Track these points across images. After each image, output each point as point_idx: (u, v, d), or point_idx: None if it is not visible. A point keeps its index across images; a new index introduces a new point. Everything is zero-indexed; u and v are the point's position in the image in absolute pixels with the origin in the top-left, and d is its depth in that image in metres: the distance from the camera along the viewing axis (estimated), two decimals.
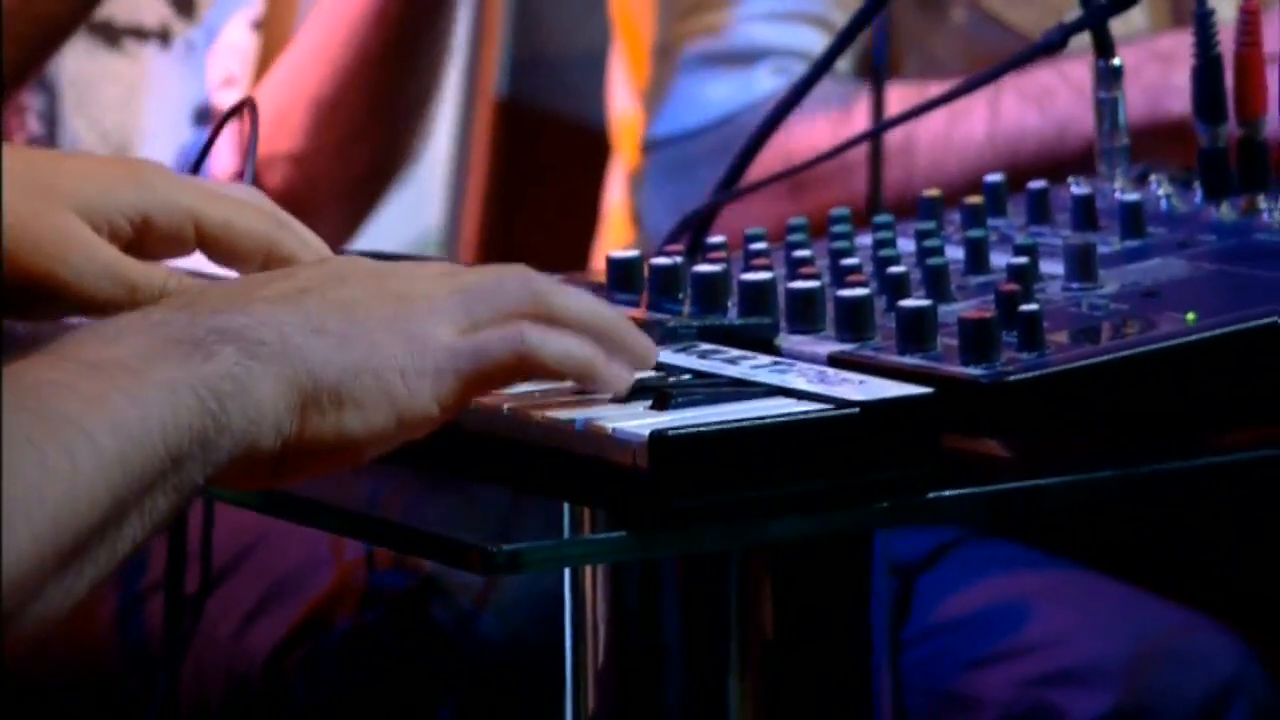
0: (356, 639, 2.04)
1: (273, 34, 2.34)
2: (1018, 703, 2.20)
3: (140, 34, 2.25)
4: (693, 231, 1.82)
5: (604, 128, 2.53)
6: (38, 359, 1.41)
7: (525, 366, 1.55)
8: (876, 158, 2.06)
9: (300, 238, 1.73)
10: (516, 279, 1.58)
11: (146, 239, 1.69)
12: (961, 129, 2.25)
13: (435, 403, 1.52)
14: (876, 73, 2.15)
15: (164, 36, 2.27)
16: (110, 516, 1.38)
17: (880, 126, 2.10)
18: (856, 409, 1.59)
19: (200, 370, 1.43)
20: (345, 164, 2.31)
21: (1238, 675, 2.21)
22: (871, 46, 2.34)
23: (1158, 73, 2.09)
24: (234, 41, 2.31)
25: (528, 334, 1.54)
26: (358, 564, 2.05)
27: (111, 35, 2.20)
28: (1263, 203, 1.84)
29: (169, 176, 1.71)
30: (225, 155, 2.29)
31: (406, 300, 1.53)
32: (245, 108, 1.89)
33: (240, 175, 2.16)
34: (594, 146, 2.54)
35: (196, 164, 1.91)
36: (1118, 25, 1.89)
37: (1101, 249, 1.79)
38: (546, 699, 1.80)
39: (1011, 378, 1.64)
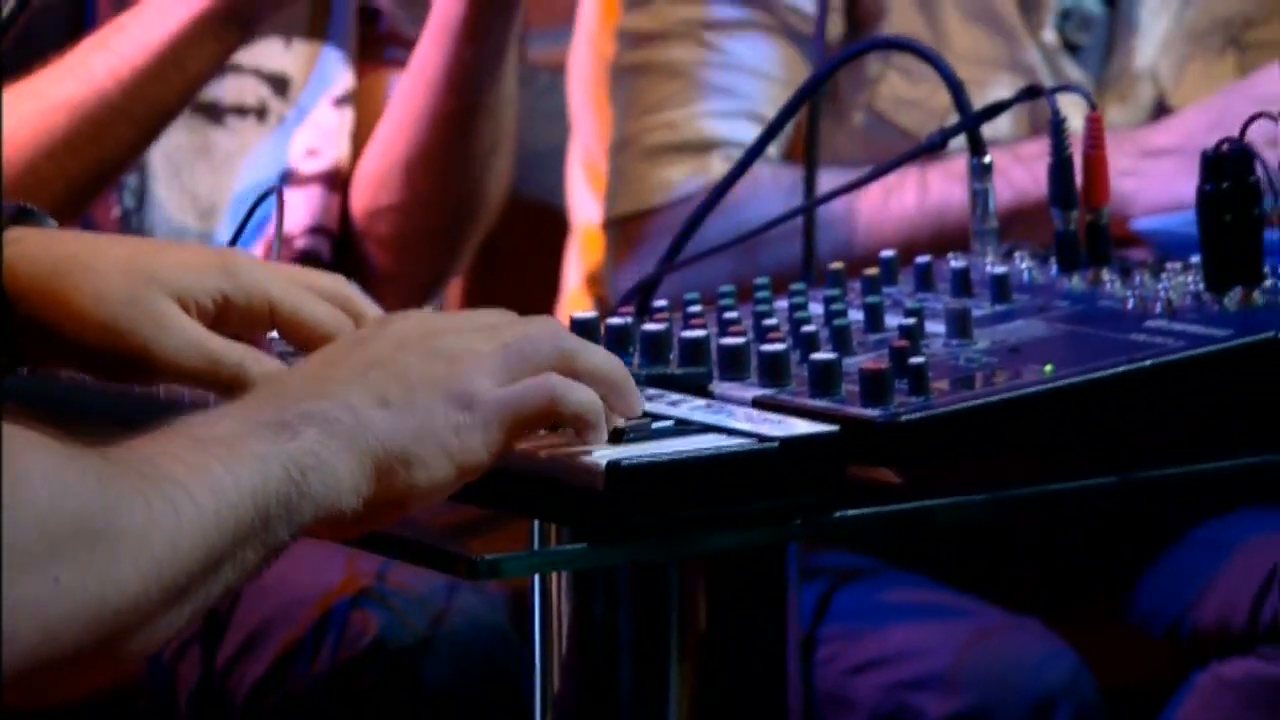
0: (326, 678, 2.02)
1: (364, 111, 2.33)
2: (884, 704, 2.19)
3: (242, 112, 2.23)
4: (640, 297, 1.78)
5: (563, 210, 2.51)
6: (153, 435, 1.41)
7: (552, 414, 1.53)
8: (809, 228, 2.03)
9: (363, 319, 1.71)
10: (548, 336, 1.57)
11: (229, 317, 1.66)
12: (895, 201, 2.23)
13: (486, 450, 1.51)
14: (809, 157, 2.11)
15: (261, 114, 2.25)
16: (207, 564, 1.37)
17: (812, 204, 2.07)
18: (776, 443, 1.57)
19: (287, 448, 1.42)
20: (437, 211, 2.29)
21: (1069, 681, 2.19)
22: (795, 139, 2.31)
23: (1022, 169, 2.05)
24: (319, 119, 2.29)
25: (556, 386, 1.53)
26: (331, 599, 2.01)
27: (217, 114, 2.19)
28: (1105, 275, 1.85)
29: (253, 265, 1.69)
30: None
31: (455, 361, 1.51)
32: (274, 193, 1.88)
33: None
34: (555, 227, 2.52)
35: (234, 239, 1.89)
36: (988, 130, 1.86)
37: (975, 312, 1.77)
38: None
39: (903, 418, 1.61)
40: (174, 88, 2.10)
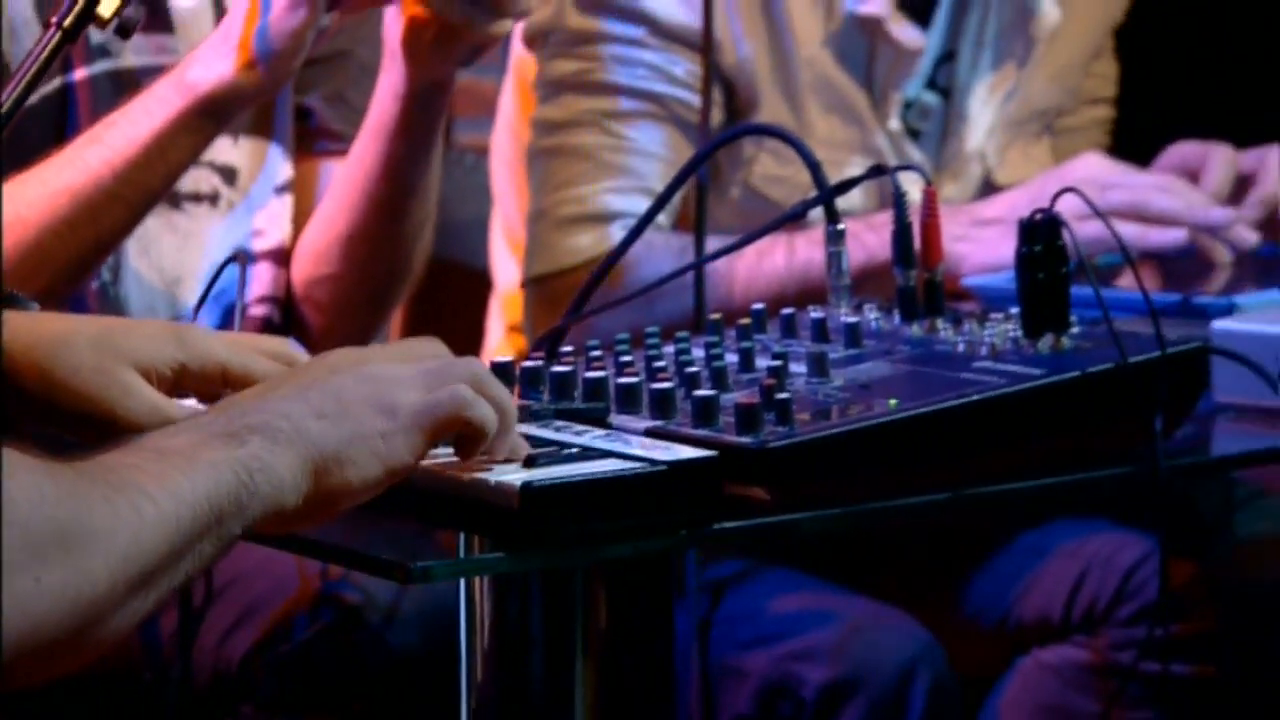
0: (307, 645, 2.01)
1: (301, 195, 2.31)
2: (772, 673, 2.19)
3: (198, 198, 2.22)
4: (550, 343, 1.79)
5: (486, 272, 2.51)
6: (119, 449, 1.41)
7: (461, 421, 1.52)
8: (700, 284, 2.04)
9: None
10: (462, 361, 1.58)
11: (186, 382, 1.67)
12: (766, 262, 2.23)
13: (409, 452, 1.50)
14: (699, 224, 2.12)
15: (214, 200, 2.24)
16: (169, 558, 1.36)
17: (700, 262, 2.08)
18: (664, 467, 1.58)
19: (236, 454, 1.41)
20: (370, 280, 2.27)
21: (926, 654, 2.18)
22: (682, 210, 2.32)
23: (872, 235, 2.06)
24: (264, 205, 2.28)
25: (466, 396, 1.52)
26: (313, 582, 2.00)
27: (176, 200, 2.19)
28: (940, 324, 1.84)
29: (204, 336, 1.70)
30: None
31: (381, 379, 1.51)
32: (236, 259, 1.89)
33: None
34: (479, 286, 2.52)
35: (198, 305, 1.91)
36: (842, 202, 1.87)
37: (831, 355, 1.77)
38: (438, 687, 1.77)
39: (771, 445, 1.62)
40: (159, 174, 2.09)
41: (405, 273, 2.28)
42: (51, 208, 2.08)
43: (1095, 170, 2.21)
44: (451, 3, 2.04)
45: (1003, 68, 2.49)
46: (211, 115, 2.07)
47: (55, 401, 1.63)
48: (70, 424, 1.65)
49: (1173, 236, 2.18)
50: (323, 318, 2.28)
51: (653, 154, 2.39)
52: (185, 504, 1.37)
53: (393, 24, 2.10)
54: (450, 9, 2.04)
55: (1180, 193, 2.24)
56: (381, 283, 2.27)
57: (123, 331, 1.69)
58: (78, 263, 2.12)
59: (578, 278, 2.36)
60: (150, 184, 2.10)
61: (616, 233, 2.38)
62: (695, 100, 2.36)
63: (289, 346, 1.72)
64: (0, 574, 1.25)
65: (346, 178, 2.22)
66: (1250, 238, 2.25)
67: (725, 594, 2.11)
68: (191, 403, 1.70)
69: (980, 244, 2.05)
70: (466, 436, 1.54)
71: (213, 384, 1.68)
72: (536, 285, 2.42)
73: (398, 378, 1.52)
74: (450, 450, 1.56)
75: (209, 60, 2.05)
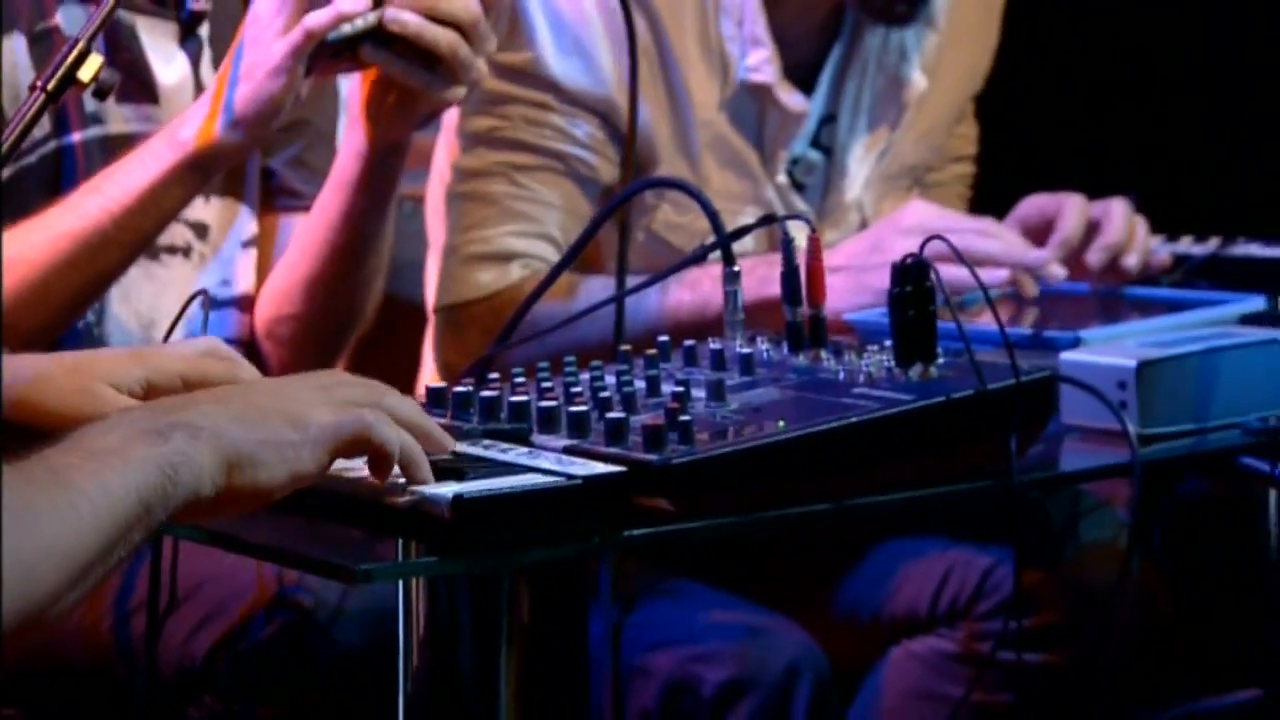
0: (264, 643, 2.01)
1: (263, 247, 2.31)
2: (675, 672, 2.18)
3: (173, 250, 2.22)
4: (479, 370, 1.79)
5: (423, 307, 2.51)
6: (58, 449, 1.42)
7: (364, 441, 1.53)
8: (620, 317, 2.04)
9: (246, 371, 1.73)
10: (368, 388, 1.59)
11: (151, 395, 1.69)
12: (640, 304, 2.22)
13: (313, 463, 1.51)
14: (621, 265, 2.12)
15: (187, 252, 2.24)
16: (104, 548, 1.38)
17: (621, 294, 2.08)
18: (580, 481, 1.58)
19: (161, 450, 1.43)
20: (328, 320, 2.26)
21: (805, 655, 2.18)
22: (588, 253, 2.32)
23: (762, 275, 2.06)
24: (231, 257, 2.28)
25: (369, 420, 1.53)
26: (269, 587, 2.00)
27: (154, 252, 2.18)
28: (823, 354, 1.84)
29: (161, 354, 1.72)
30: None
31: (295, 398, 1.53)
32: (201, 296, 1.89)
33: None
34: (417, 320, 2.51)
35: (166, 336, 1.91)
36: (737, 247, 1.88)
37: (728, 382, 1.77)
38: (379, 679, 1.77)
39: (674, 461, 1.62)
40: (151, 221, 2.10)
41: (359, 314, 2.28)
42: (54, 250, 2.08)
43: (923, 217, 2.21)
44: (411, 71, 2.04)
45: (877, 129, 2.49)
46: (199, 169, 2.07)
47: (45, 426, 1.62)
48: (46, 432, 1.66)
49: (995, 276, 2.18)
50: (284, 352, 2.28)
51: (552, 204, 2.38)
52: (119, 499, 1.38)
53: (356, 90, 2.11)
54: (409, 77, 2.04)
55: (998, 235, 2.24)
56: (338, 322, 2.27)
57: (90, 359, 1.72)
58: (76, 300, 2.12)
59: (481, 309, 2.37)
60: (143, 229, 2.10)
61: (516, 270, 2.38)
62: (592, 159, 2.37)
63: (215, 342, 1.74)
64: None
65: (310, 227, 2.22)
66: (1060, 273, 2.24)
67: (637, 602, 2.10)
68: None
69: (830, 291, 2.06)
70: (375, 457, 1.55)
71: (176, 393, 1.68)
72: (444, 314, 2.42)
73: (312, 399, 1.53)
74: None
75: (202, 119, 2.06)
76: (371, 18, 2.02)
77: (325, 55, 2.03)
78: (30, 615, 1.32)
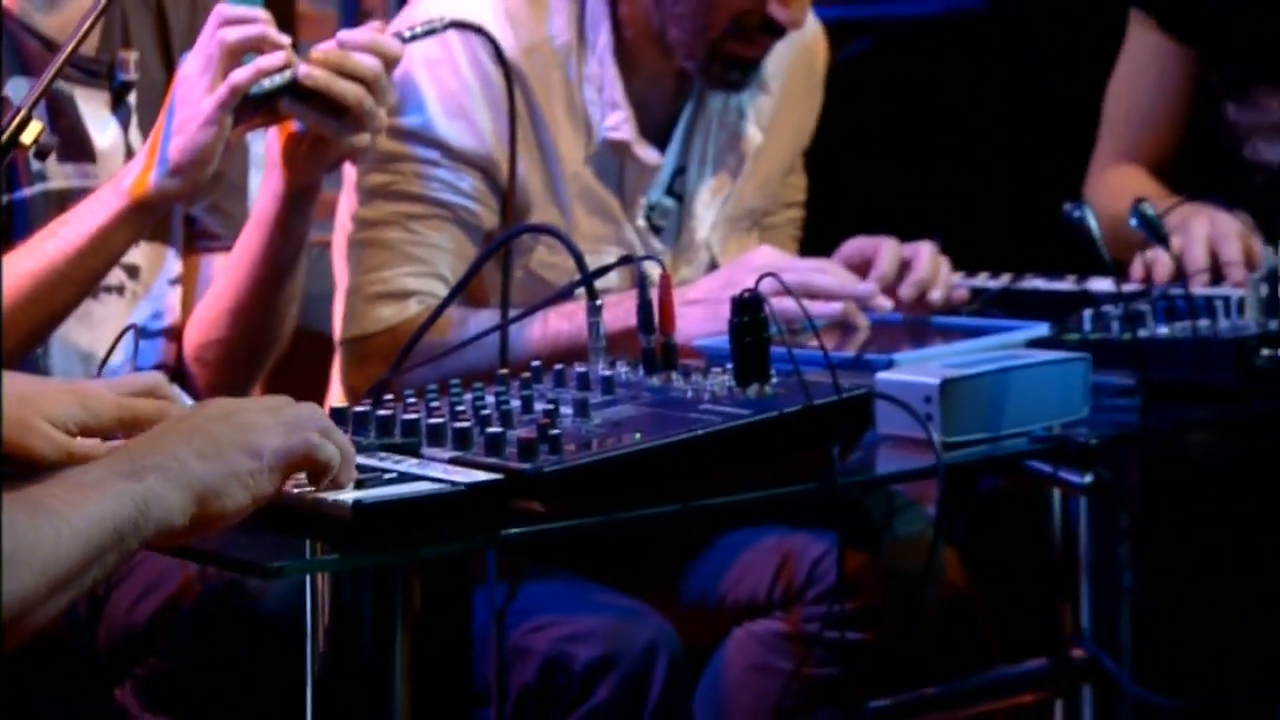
0: (197, 611, 1.98)
1: (187, 284, 2.29)
2: (550, 651, 2.17)
3: (109, 290, 2.19)
4: (376, 392, 1.78)
5: (330, 337, 2.50)
6: (44, 483, 1.42)
7: (311, 461, 1.54)
8: (504, 345, 2.04)
9: (179, 404, 1.73)
10: (311, 413, 1.58)
11: (86, 434, 1.69)
12: (527, 331, 2.22)
13: (271, 486, 1.52)
14: (504, 299, 2.14)
15: (121, 291, 2.21)
16: (81, 568, 1.38)
17: (505, 323, 2.08)
18: (463, 487, 1.58)
19: (135, 488, 1.43)
20: (250, 344, 2.24)
21: (661, 636, 2.17)
22: (472, 289, 2.34)
23: (626, 308, 2.06)
24: (161, 294, 2.25)
25: (315, 442, 1.54)
26: (198, 572, 1.99)
27: (94, 291, 2.15)
28: (674, 376, 1.84)
29: (100, 395, 1.71)
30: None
31: (250, 429, 1.52)
32: (131, 329, 1.88)
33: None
34: (326, 348, 2.50)
35: (101, 364, 1.91)
36: (604, 282, 1.88)
37: (592, 401, 1.77)
38: (297, 645, 1.76)
39: (545, 469, 1.62)
40: (101, 261, 2.08)
41: (278, 338, 2.26)
42: (16, 288, 2.06)
43: (768, 259, 2.22)
44: (322, 121, 2.04)
45: (721, 179, 2.49)
46: (142, 214, 2.06)
47: None
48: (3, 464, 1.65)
49: (832, 308, 2.20)
50: (210, 374, 2.25)
51: (442, 248, 2.36)
52: (94, 525, 1.38)
53: (274, 140, 2.10)
54: (321, 125, 2.04)
55: (834, 273, 2.25)
56: (258, 346, 2.24)
57: (35, 397, 1.70)
58: (35, 332, 2.10)
59: (383, 340, 2.36)
60: (94, 268, 2.09)
61: (413, 306, 2.36)
62: (476, 208, 2.35)
63: (161, 381, 1.73)
64: None
65: (234, 262, 2.20)
66: (886, 304, 2.25)
67: (518, 591, 2.10)
68: (95, 441, 1.69)
69: (687, 319, 2.05)
70: (315, 471, 1.55)
71: (109, 433, 1.69)
72: (350, 345, 2.40)
73: (263, 427, 1.53)
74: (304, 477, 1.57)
75: (142, 169, 2.04)
76: (288, 74, 2.01)
77: (249, 108, 2.03)
78: (12, 615, 1.32)
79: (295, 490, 1.57)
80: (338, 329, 2.45)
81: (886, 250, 2.32)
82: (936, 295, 2.30)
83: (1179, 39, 2.61)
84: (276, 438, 1.52)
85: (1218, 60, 2.58)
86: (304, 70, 2.02)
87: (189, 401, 1.74)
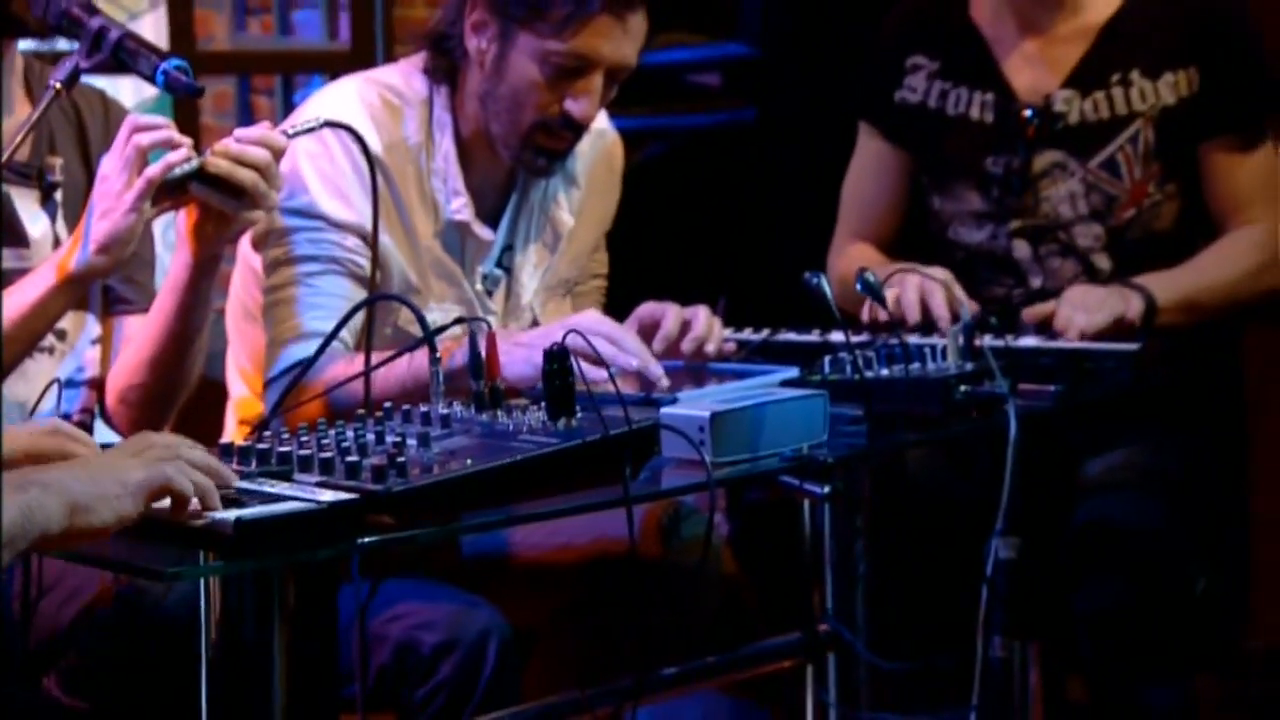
0: (108, 617, 1.94)
1: (105, 343, 2.23)
2: (403, 637, 2.13)
3: (41, 350, 2.14)
4: (258, 430, 1.76)
5: (224, 385, 2.45)
6: None
7: (167, 489, 1.53)
8: (367, 387, 2.01)
9: (78, 444, 1.69)
10: (168, 446, 1.57)
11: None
12: (395, 371, 2.16)
13: (134, 509, 1.50)
14: (367, 349, 2.11)
15: (51, 351, 2.16)
16: None
17: (367, 371, 2.04)
18: (326, 505, 1.58)
19: (19, 498, 1.42)
20: (165, 388, 2.18)
21: (493, 623, 2.15)
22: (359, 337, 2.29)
23: (458, 353, 2.05)
24: (81, 350, 2.20)
25: (169, 472, 1.53)
26: (110, 581, 1.95)
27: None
28: (499, 413, 1.83)
29: (15, 435, 1.69)
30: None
31: (118, 464, 1.52)
32: (54, 384, 1.85)
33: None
34: (219, 394, 2.46)
35: (31, 412, 1.85)
36: (448, 334, 1.87)
37: (432, 434, 1.76)
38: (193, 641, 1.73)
39: (393, 490, 1.62)
40: (42, 324, 2.05)
41: (187, 383, 2.20)
42: None
43: (591, 320, 2.21)
44: (224, 201, 2.01)
45: (541, 254, 2.48)
46: (75, 285, 2.02)
47: None
48: None
49: (627, 362, 2.13)
50: (132, 413, 2.19)
51: (338, 295, 2.30)
52: None
53: (183, 219, 2.06)
54: (224, 205, 2.01)
55: (623, 339, 2.15)
56: (172, 389, 2.19)
57: None
58: None
59: (295, 374, 2.31)
60: (36, 330, 2.04)
61: (315, 346, 2.32)
62: (361, 261, 2.30)
63: (59, 422, 1.71)
64: None
65: (151, 320, 2.16)
66: (657, 373, 2.13)
67: (379, 587, 2.08)
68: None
69: (510, 358, 2.03)
70: (174, 500, 1.54)
71: (21, 464, 1.65)
72: (273, 383, 2.32)
73: (130, 463, 1.53)
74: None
75: (74, 250, 2.01)
76: (196, 162, 1.99)
77: (162, 195, 2.00)
78: None
79: (173, 512, 1.54)
80: (231, 380, 2.41)
81: (670, 314, 2.31)
82: (711, 348, 2.30)
83: (896, 145, 2.64)
84: (139, 471, 1.51)
85: (926, 162, 2.61)
86: (209, 160, 2.00)
87: (85, 439, 1.70)
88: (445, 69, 2.35)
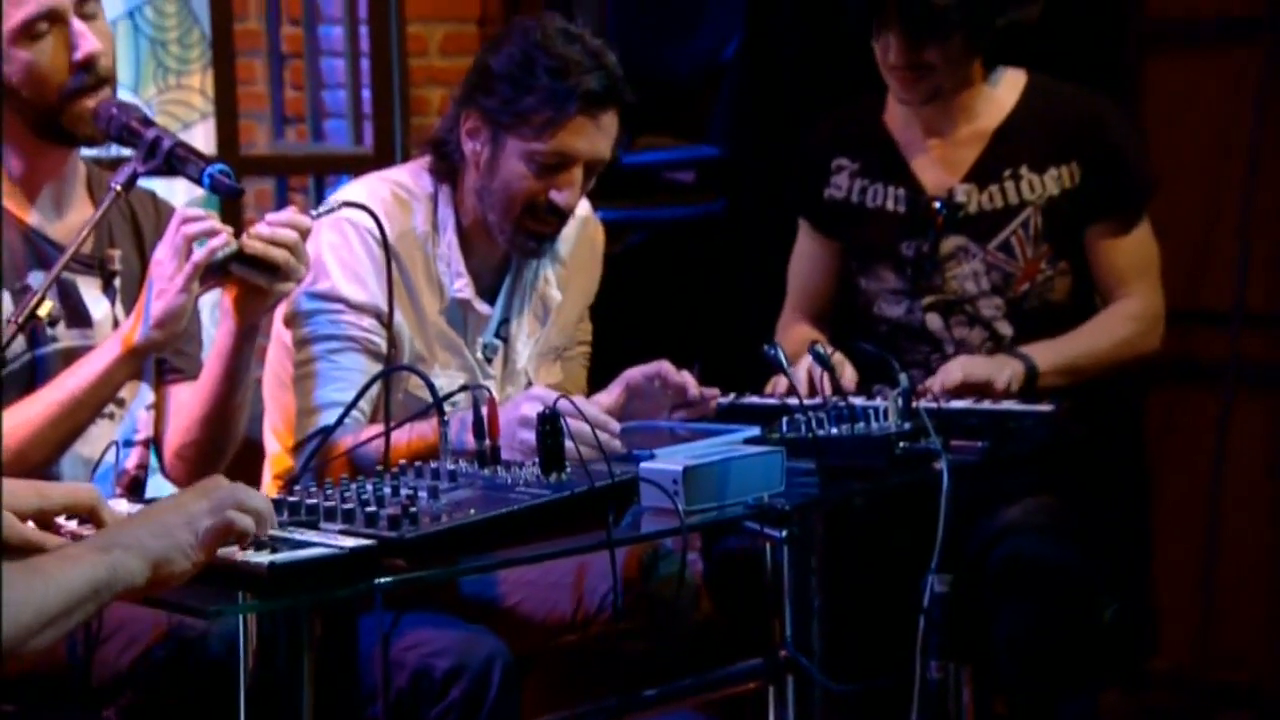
0: (160, 657, 1.93)
1: (159, 407, 2.21)
2: (418, 664, 2.09)
3: (103, 415, 2.12)
4: (289, 485, 1.74)
5: (261, 443, 2.43)
6: (47, 555, 1.41)
7: (232, 531, 1.52)
8: (387, 446, 1.98)
9: (104, 507, 1.67)
10: (232, 494, 1.55)
11: (42, 518, 1.65)
12: (414, 433, 2.13)
13: (205, 555, 1.50)
14: (386, 414, 2.07)
15: (111, 416, 2.15)
16: (64, 614, 1.36)
17: (386, 430, 2.04)
18: (348, 550, 1.57)
19: (104, 558, 1.41)
20: (215, 444, 2.16)
21: (497, 651, 2.12)
22: (375, 405, 2.27)
23: (463, 420, 2.03)
24: (139, 417, 2.18)
25: (233, 516, 1.52)
26: (165, 629, 1.93)
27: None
28: (499, 469, 1.81)
29: (53, 490, 1.67)
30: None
31: (188, 514, 1.50)
32: (114, 444, 1.83)
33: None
34: (258, 451, 2.44)
35: (93, 473, 1.84)
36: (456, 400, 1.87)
37: (441, 487, 1.74)
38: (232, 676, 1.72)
39: (407, 537, 1.62)
40: (107, 392, 2.03)
41: (234, 438, 2.19)
42: (45, 414, 2.00)
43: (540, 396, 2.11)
44: (261, 277, 2.01)
45: (532, 325, 2.46)
46: (137, 356, 2.02)
47: None
48: None
49: (613, 427, 2.10)
50: (187, 468, 2.18)
51: (356, 369, 2.29)
52: (75, 585, 1.36)
53: (226, 295, 2.06)
54: (260, 280, 2.01)
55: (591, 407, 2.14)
56: (221, 444, 2.17)
57: (14, 494, 1.65)
58: (59, 446, 2.03)
59: (317, 439, 2.30)
60: (103, 397, 2.03)
61: (338, 413, 2.31)
62: (377, 339, 2.29)
63: (92, 487, 1.69)
64: None
65: (201, 384, 2.14)
66: (616, 444, 2.10)
67: (400, 619, 2.05)
68: (73, 523, 1.66)
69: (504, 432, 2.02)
70: (237, 538, 1.53)
71: (58, 515, 1.65)
72: (299, 447, 2.31)
73: (198, 511, 1.51)
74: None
75: (135, 327, 2.00)
76: (234, 246, 1.99)
77: (208, 275, 2.00)
78: (12, 640, 1.29)
79: (224, 554, 1.53)
80: (269, 440, 2.40)
81: (667, 368, 2.28)
82: (693, 393, 2.28)
83: (827, 235, 2.67)
84: (208, 519, 1.50)
85: (852, 248, 2.64)
86: (247, 243, 2.00)
87: (111, 513, 1.68)
88: (446, 170, 2.36)
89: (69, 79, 2.02)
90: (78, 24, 2.02)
